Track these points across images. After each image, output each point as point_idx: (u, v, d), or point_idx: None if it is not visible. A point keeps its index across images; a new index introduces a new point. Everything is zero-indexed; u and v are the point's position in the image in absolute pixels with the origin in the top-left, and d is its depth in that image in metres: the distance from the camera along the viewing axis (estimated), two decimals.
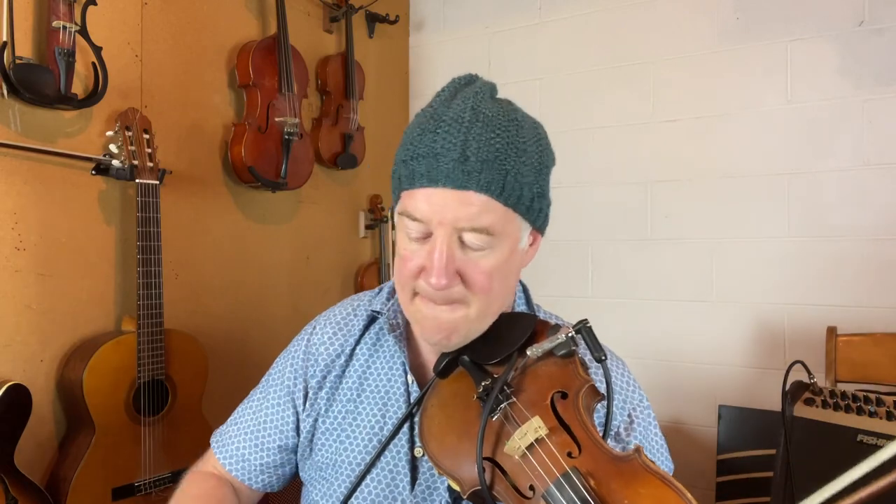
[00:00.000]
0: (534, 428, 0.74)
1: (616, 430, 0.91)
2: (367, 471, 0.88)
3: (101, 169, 1.73)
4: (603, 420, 0.83)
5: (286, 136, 2.22)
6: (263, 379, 1.09)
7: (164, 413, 1.76)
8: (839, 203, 2.24)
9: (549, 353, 0.81)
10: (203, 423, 1.87)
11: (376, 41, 2.85)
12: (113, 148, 1.75)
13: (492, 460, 0.76)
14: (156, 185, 1.76)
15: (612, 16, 2.63)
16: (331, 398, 0.99)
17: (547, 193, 0.88)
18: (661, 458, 0.95)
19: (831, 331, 1.97)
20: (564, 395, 0.77)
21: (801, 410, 1.59)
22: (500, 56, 2.86)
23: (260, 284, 2.32)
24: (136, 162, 1.74)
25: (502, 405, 0.78)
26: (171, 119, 2.01)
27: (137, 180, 1.74)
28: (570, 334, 0.80)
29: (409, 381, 0.95)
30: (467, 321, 0.86)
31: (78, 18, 1.69)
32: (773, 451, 1.64)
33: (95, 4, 1.73)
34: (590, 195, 2.67)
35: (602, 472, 0.70)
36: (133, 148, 1.75)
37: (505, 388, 0.79)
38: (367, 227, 2.79)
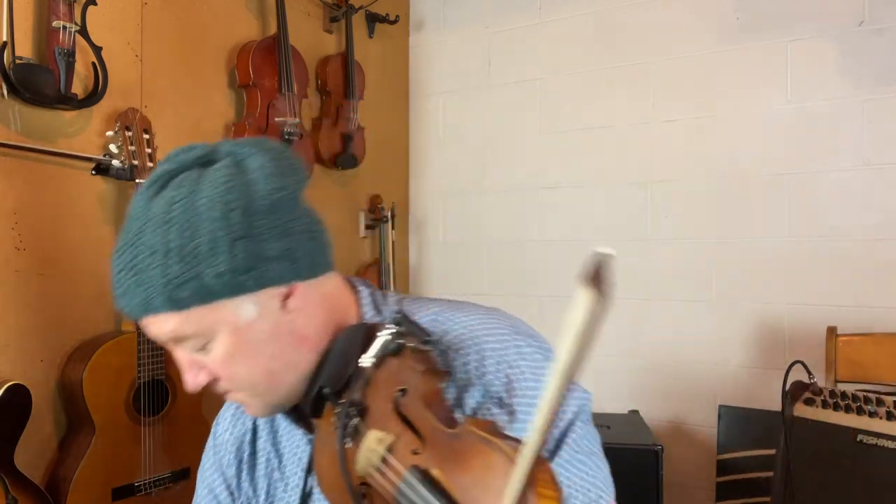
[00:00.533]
0: (375, 440, 0.72)
1: (498, 397, 0.85)
2: None
3: (101, 169, 1.73)
4: (482, 399, 0.82)
5: (286, 136, 2.22)
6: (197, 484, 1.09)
7: (164, 413, 1.76)
8: (839, 203, 2.24)
9: (384, 356, 0.77)
10: (203, 423, 1.87)
11: (376, 41, 2.85)
12: (113, 148, 1.75)
13: (366, 485, 0.74)
14: None
15: (612, 16, 2.63)
16: (253, 477, 0.98)
17: (240, 263, 0.77)
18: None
19: (831, 331, 1.98)
20: (405, 393, 0.74)
21: (801, 410, 1.59)
22: (500, 56, 2.86)
23: None
24: (136, 162, 1.74)
25: (350, 427, 0.76)
26: (171, 119, 2.01)
27: (137, 180, 1.73)
28: (390, 330, 0.77)
29: (302, 433, 0.94)
30: (253, 397, 0.86)
31: (78, 18, 1.69)
32: (773, 451, 1.65)
33: (95, 4, 1.73)
34: (590, 195, 2.66)
35: (444, 458, 0.67)
36: (133, 148, 1.75)
37: (351, 409, 0.77)
38: (367, 227, 2.79)
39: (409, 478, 0.67)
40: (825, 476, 1.53)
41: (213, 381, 0.84)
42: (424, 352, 0.77)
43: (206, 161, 0.81)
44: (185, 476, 1.80)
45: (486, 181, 2.89)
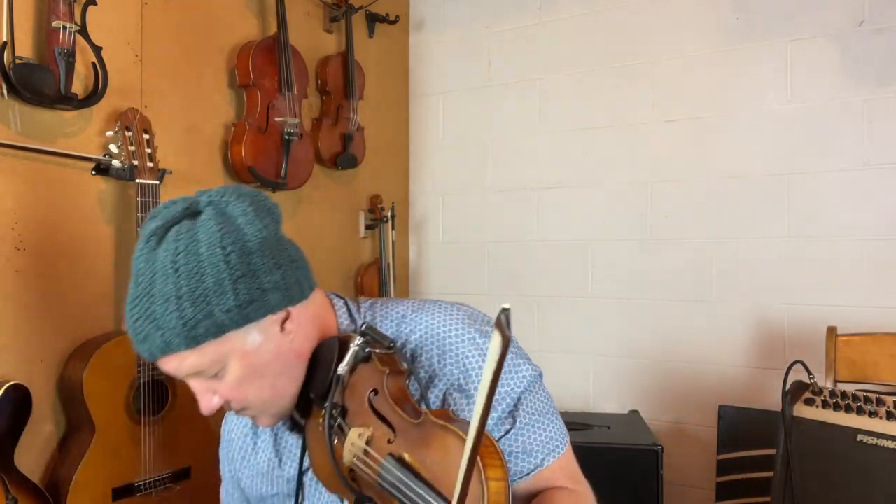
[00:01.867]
0: (356, 435, 0.88)
1: (458, 384, 0.99)
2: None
3: (101, 169, 1.73)
4: (445, 388, 0.98)
5: (286, 136, 2.22)
6: None
7: (164, 413, 1.76)
8: (839, 203, 2.24)
9: (356, 364, 0.92)
10: (203, 423, 1.87)
11: (376, 41, 2.85)
12: (113, 148, 1.75)
13: (353, 471, 0.89)
14: (156, 185, 1.76)
15: (612, 16, 2.63)
16: (254, 466, 1.12)
17: (244, 298, 0.88)
18: (500, 389, 0.99)
19: (831, 331, 1.97)
20: (377, 392, 0.89)
21: (801, 410, 1.59)
22: (500, 56, 2.86)
23: None
24: (135, 162, 1.74)
25: (335, 426, 0.91)
26: (171, 119, 2.01)
27: (137, 180, 1.73)
28: (359, 341, 0.91)
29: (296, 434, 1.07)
30: (262, 412, 0.99)
31: (78, 18, 1.69)
32: (773, 451, 1.64)
33: (95, 4, 1.73)
34: (590, 195, 2.66)
35: (413, 444, 0.82)
36: (133, 148, 1.75)
37: (334, 411, 0.92)
38: (367, 227, 2.79)
39: (387, 463, 0.83)
40: (825, 476, 1.53)
41: (226, 403, 0.95)
42: (389, 356, 0.92)
43: (191, 213, 0.92)
44: (186, 476, 1.80)
45: (486, 181, 2.89)
